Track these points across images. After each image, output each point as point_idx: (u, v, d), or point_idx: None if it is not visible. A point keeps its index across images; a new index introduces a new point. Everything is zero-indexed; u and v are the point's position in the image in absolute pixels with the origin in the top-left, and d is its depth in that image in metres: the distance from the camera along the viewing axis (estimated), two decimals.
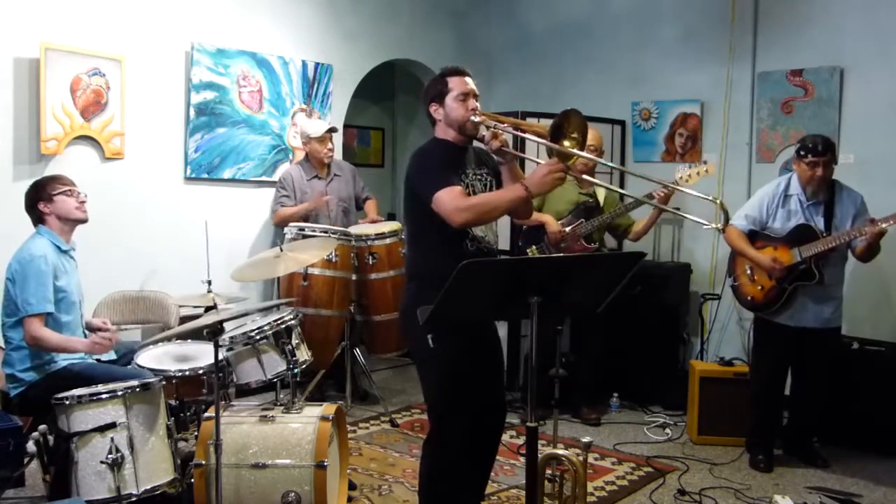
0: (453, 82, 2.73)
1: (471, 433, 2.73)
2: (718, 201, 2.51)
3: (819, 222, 3.80)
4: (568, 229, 4.45)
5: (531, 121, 5.21)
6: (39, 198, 3.27)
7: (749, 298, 3.96)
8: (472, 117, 2.69)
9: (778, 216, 3.90)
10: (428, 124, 2.86)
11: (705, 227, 2.52)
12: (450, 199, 2.58)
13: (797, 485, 3.74)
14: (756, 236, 3.96)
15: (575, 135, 2.62)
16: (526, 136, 2.76)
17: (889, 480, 3.80)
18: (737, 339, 5.18)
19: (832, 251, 3.73)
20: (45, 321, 3.15)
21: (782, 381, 4.02)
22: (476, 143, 2.82)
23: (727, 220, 2.64)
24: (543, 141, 2.59)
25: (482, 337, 2.77)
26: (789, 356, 3.96)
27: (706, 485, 3.71)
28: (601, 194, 4.64)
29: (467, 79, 2.75)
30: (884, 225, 3.57)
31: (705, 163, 4.35)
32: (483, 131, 2.72)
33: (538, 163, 2.66)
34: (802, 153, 3.78)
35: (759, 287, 3.89)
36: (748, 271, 3.96)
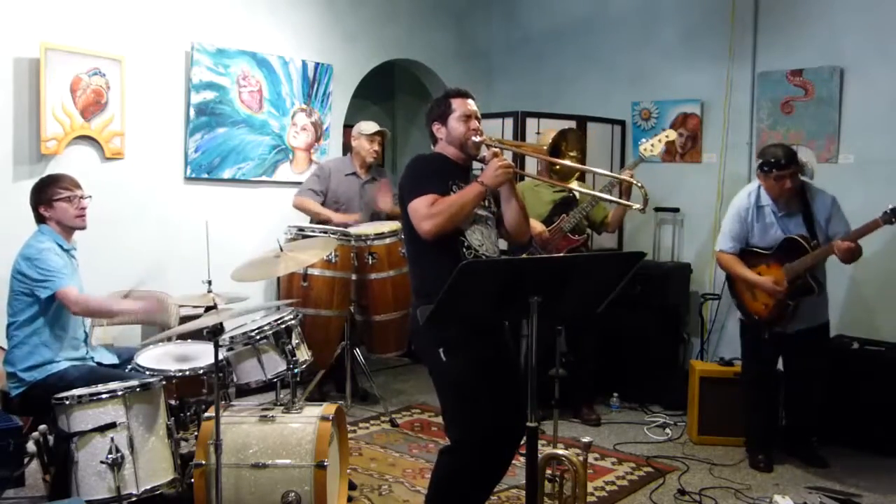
0: (456, 103, 2.77)
1: (488, 445, 2.68)
2: (640, 185, 2.65)
3: (802, 231, 3.76)
4: (551, 227, 4.45)
5: (531, 121, 5.24)
6: (40, 201, 3.26)
7: (756, 318, 3.92)
8: (474, 137, 2.73)
9: (755, 230, 3.87)
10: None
11: (634, 208, 2.67)
12: (418, 209, 2.61)
13: (797, 485, 3.74)
14: (744, 255, 3.91)
15: (574, 153, 2.68)
16: (526, 152, 2.81)
17: (889, 480, 3.80)
18: (737, 339, 5.12)
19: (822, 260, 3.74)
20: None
21: (772, 379, 4.03)
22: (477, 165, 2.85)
23: (647, 201, 2.76)
24: (543, 156, 2.64)
25: (495, 348, 2.73)
26: (777, 354, 3.98)
27: (706, 485, 3.71)
28: (575, 187, 4.65)
29: (470, 101, 2.79)
30: (848, 242, 3.53)
31: (664, 129, 4.37)
32: (484, 151, 2.75)
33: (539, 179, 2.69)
34: (766, 168, 3.70)
35: (763, 305, 3.86)
36: (748, 291, 3.93)
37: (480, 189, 2.65)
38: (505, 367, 2.77)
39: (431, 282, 2.64)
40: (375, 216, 4.91)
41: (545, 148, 2.62)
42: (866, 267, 4.44)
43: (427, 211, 2.60)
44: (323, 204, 4.81)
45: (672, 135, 4.31)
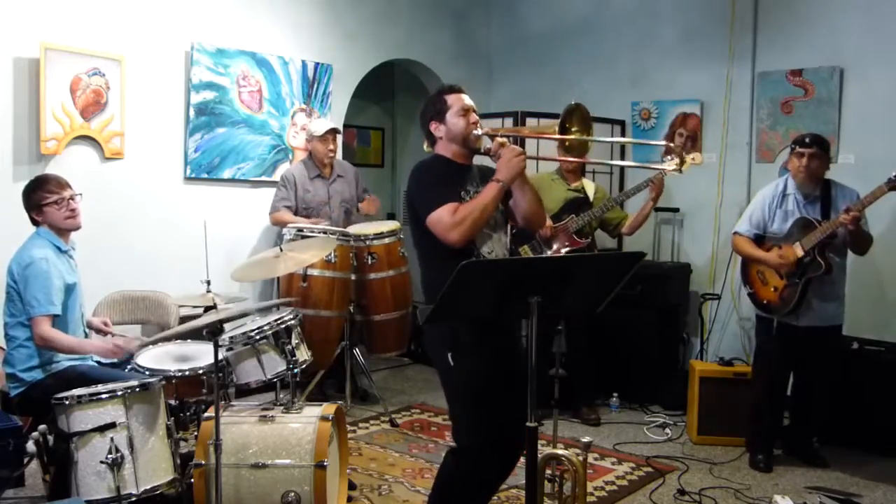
0: (451, 99, 2.73)
1: (494, 451, 2.67)
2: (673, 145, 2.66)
3: (817, 216, 3.80)
4: (558, 225, 4.47)
5: (531, 121, 5.24)
6: (30, 206, 3.25)
7: (765, 303, 3.93)
8: (475, 130, 2.70)
9: (776, 217, 3.91)
10: None
11: (670, 171, 2.68)
12: (441, 219, 2.58)
13: (797, 485, 3.74)
14: (761, 241, 3.95)
15: (576, 128, 2.69)
16: (529, 135, 2.79)
17: (889, 480, 3.80)
18: (737, 339, 5.18)
19: (833, 237, 3.73)
20: (52, 322, 3.13)
21: (785, 382, 4.02)
22: (479, 160, 2.82)
23: (682, 161, 2.76)
24: (545, 135, 2.64)
25: (504, 352, 2.71)
26: (793, 356, 3.96)
27: (706, 485, 3.71)
28: (590, 190, 4.67)
29: (464, 95, 2.76)
30: (853, 212, 3.60)
31: (691, 152, 4.39)
32: (487, 143, 2.72)
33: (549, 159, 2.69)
34: (793, 146, 3.88)
35: (773, 288, 3.88)
36: (759, 276, 3.95)
37: (499, 186, 2.61)
38: (514, 372, 2.72)
39: (438, 286, 2.63)
40: (349, 212, 4.91)
41: (554, 128, 2.65)
42: (866, 267, 4.43)
43: (451, 220, 2.57)
44: (295, 211, 4.79)
45: (699, 158, 4.32)
